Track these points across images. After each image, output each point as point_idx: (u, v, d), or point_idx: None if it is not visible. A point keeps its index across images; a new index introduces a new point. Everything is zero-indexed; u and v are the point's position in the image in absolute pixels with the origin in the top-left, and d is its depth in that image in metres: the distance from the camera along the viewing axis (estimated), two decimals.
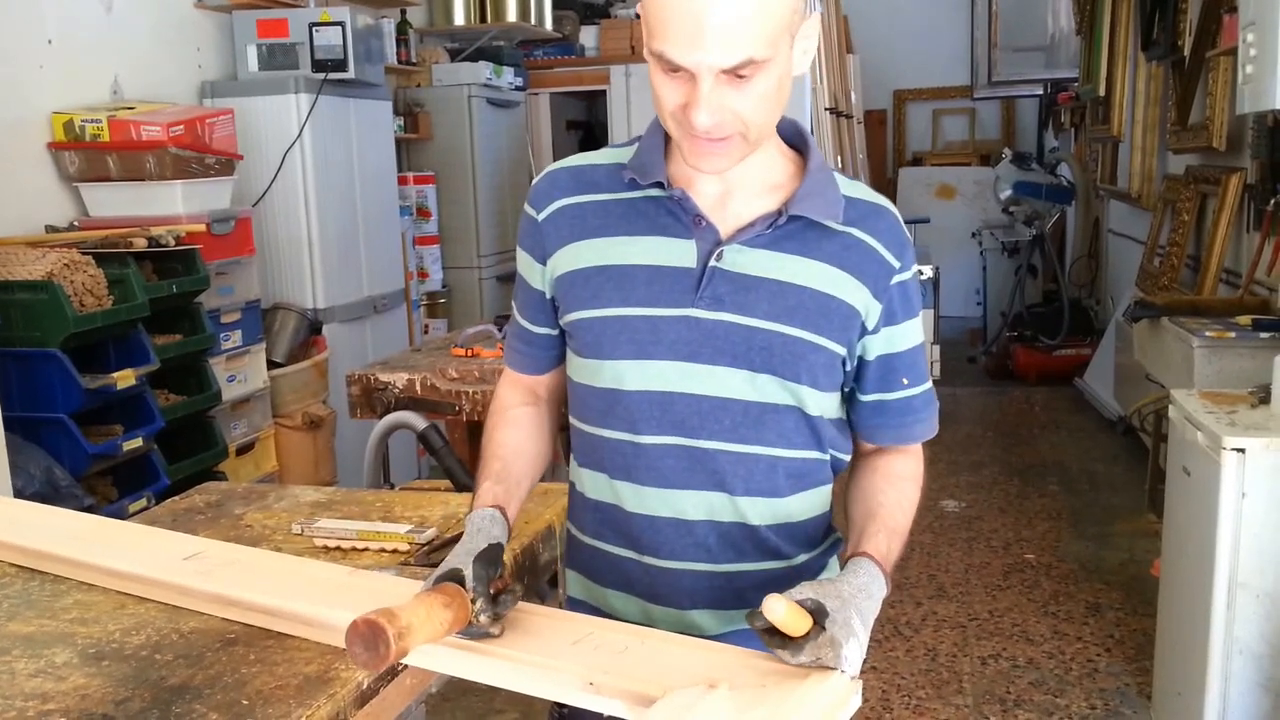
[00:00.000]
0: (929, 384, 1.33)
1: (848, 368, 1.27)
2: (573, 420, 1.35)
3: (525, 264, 1.34)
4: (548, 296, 1.32)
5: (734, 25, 1.06)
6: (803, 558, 1.31)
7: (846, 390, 1.31)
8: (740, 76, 1.10)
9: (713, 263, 1.21)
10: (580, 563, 1.37)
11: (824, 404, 1.27)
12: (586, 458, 1.32)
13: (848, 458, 1.34)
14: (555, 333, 1.34)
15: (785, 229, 1.23)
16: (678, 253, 1.23)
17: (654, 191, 1.25)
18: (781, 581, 1.28)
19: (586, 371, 1.29)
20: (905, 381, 1.29)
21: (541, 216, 1.30)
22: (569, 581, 1.41)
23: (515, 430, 1.37)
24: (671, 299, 1.22)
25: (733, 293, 1.21)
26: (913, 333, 1.30)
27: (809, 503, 1.30)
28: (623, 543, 1.30)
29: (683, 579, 1.27)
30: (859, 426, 1.33)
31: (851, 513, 1.29)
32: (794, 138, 1.29)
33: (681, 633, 1.22)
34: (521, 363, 1.40)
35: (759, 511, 1.26)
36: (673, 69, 1.11)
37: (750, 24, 1.06)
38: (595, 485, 1.31)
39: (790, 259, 1.22)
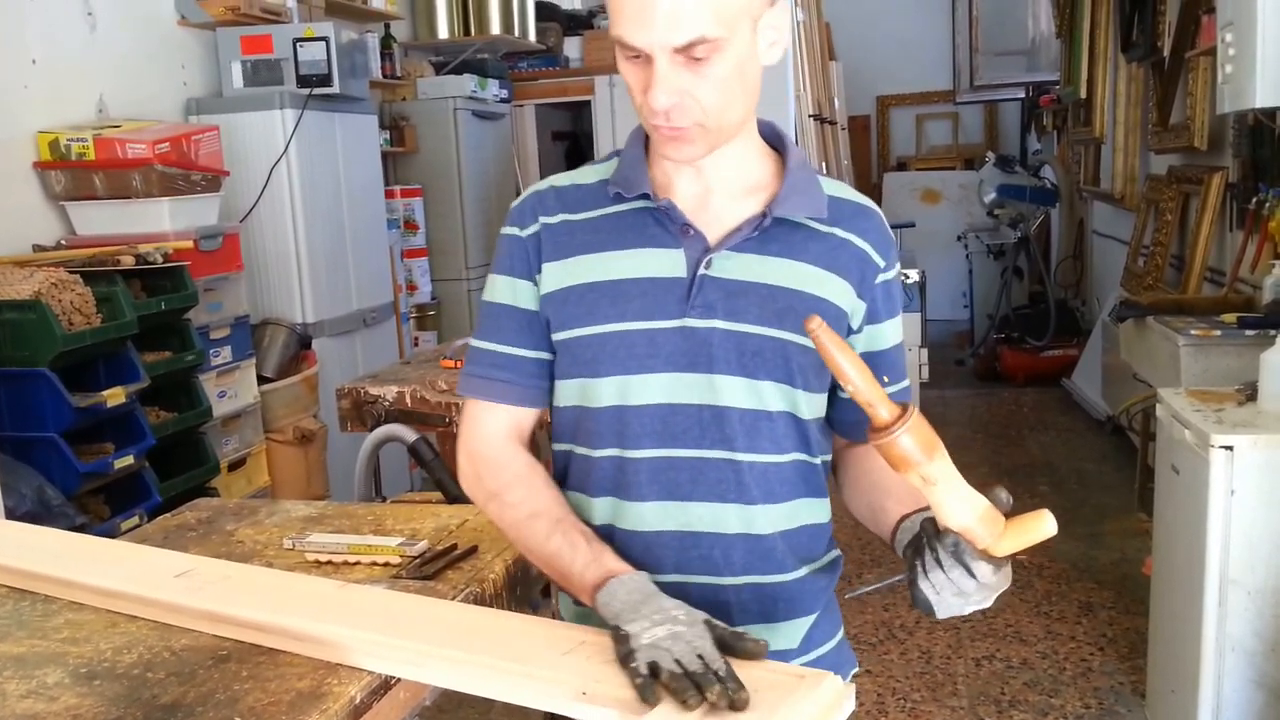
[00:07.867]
0: (907, 382, 1.33)
1: None
2: (565, 448, 1.31)
3: (509, 288, 1.29)
4: (542, 317, 1.28)
5: (682, 3, 1.09)
6: (804, 570, 1.29)
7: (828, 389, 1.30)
8: (696, 59, 1.11)
9: (702, 271, 1.21)
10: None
11: (816, 406, 1.27)
12: (580, 483, 1.28)
13: (829, 458, 1.33)
14: (550, 357, 1.29)
15: (770, 231, 1.23)
16: (667, 263, 1.22)
17: (640, 203, 1.25)
18: (795, 595, 1.28)
19: (582, 393, 1.26)
20: (886, 380, 1.27)
21: (526, 233, 1.28)
22: (563, 613, 1.37)
23: (551, 488, 1.28)
24: (664, 310, 1.21)
25: (723, 299, 1.21)
26: (894, 332, 1.31)
27: (811, 510, 1.29)
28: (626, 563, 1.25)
29: (689, 594, 1.22)
30: (839, 424, 1.32)
31: (862, 500, 1.28)
32: (772, 139, 1.29)
33: None
34: (518, 395, 1.29)
35: (766, 520, 1.24)
36: (631, 53, 1.14)
37: (699, 2, 1.09)
38: (593, 510, 1.27)
39: (777, 262, 1.22)
